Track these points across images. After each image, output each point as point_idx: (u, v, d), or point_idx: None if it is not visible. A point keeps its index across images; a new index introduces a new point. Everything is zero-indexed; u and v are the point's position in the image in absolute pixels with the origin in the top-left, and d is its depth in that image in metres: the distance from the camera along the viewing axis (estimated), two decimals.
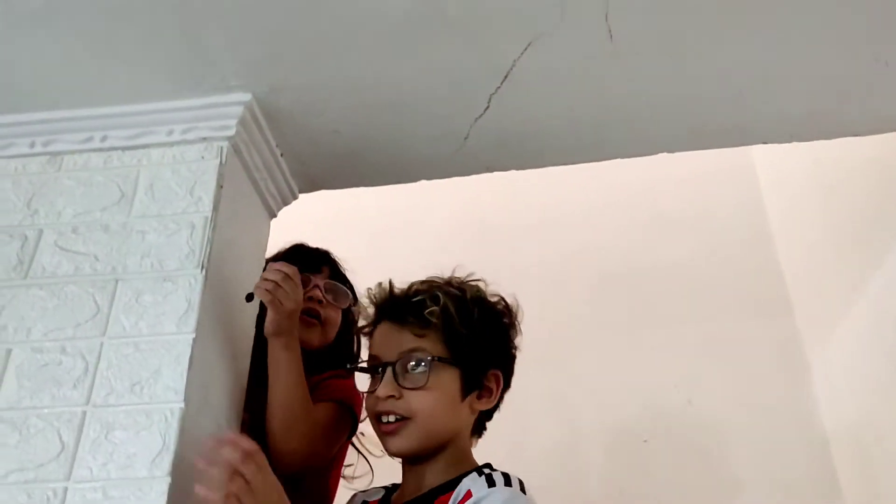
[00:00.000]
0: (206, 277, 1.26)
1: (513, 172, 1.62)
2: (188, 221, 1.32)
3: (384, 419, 1.12)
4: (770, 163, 2.59)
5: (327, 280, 1.55)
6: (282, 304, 1.23)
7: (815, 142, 1.58)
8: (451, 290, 1.16)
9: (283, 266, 1.29)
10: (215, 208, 1.33)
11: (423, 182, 1.64)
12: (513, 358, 1.20)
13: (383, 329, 1.19)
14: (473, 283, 1.19)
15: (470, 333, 1.13)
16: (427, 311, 1.12)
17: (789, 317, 2.47)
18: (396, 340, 1.14)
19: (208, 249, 1.29)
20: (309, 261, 1.57)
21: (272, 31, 1.28)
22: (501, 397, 1.18)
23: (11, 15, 1.21)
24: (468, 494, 1.02)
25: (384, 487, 1.25)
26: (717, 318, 2.46)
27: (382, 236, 2.58)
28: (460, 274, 1.21)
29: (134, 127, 1.40)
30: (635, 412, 2.32)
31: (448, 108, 1.44)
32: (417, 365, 1.11)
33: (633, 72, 1.34)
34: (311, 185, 1.64)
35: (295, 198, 1.63)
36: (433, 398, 1.10)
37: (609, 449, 2.32)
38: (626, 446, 2.30)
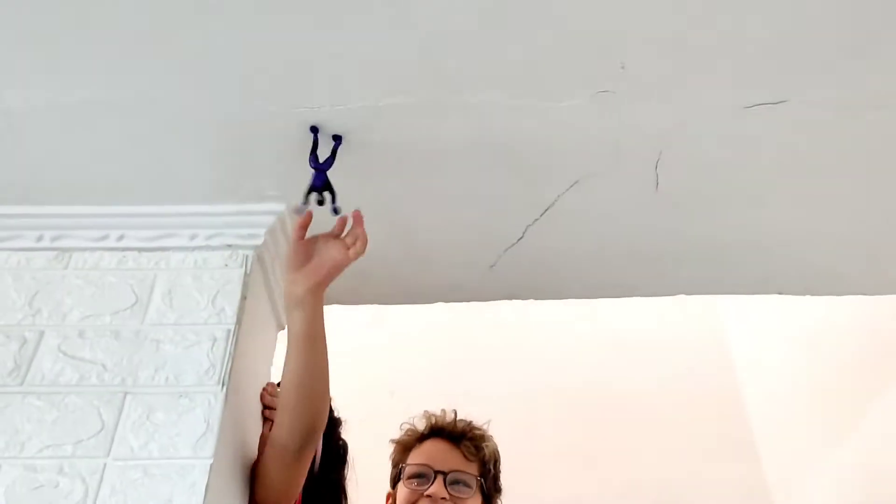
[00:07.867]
0: (226, 396, 1.16)
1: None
2: (209, 333, 1.22)
3: None
4: (737, 316, 2.69)
5: None
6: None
7: (785, 300, 1.66)
8: (492, 441, 1.51)
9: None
10: (238, 321, 1.24)
11: None
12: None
13: (437, 444, 1.45)
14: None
15: (494, 473, 1.50)
16: (483, 444, 1.47)
17: (756, 463, 2.50)
18: (450, 456, 1.43)
19: (229, 365, 1.19)
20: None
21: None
22: None
23: (45, 110, 1.15)
24: None
25: None
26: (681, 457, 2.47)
27: (370, 349, 2.61)
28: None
29: (155, 228, 1.32)
30: None
31: (481, 235, 1.42)
32: (467, 483, 1.41)
33: (670, 220, 1.37)
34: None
35: None
36: None
37: None
38: None
